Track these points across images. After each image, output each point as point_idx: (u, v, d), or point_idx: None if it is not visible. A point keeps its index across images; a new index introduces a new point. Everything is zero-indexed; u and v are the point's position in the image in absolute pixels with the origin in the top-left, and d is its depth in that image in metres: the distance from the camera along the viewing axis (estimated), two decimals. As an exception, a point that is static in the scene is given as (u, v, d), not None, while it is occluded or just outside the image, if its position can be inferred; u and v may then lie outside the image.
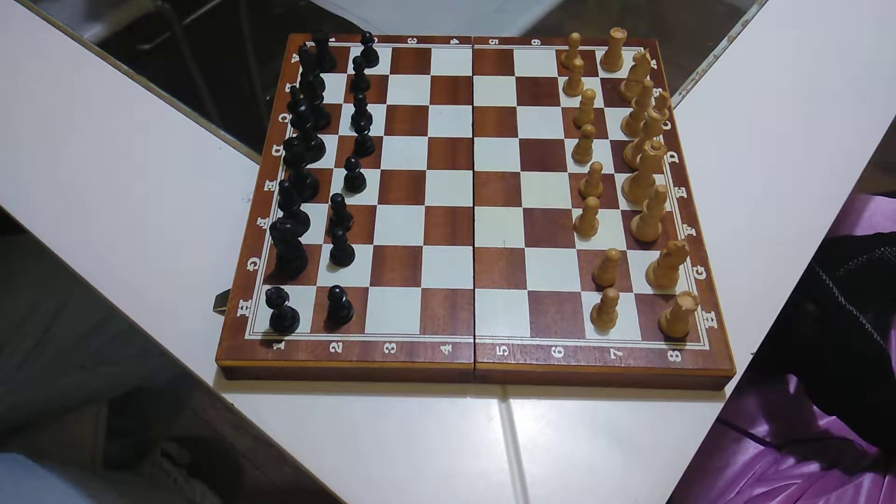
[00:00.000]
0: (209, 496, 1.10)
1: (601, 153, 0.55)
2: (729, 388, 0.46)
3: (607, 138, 0.56)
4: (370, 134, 0.56)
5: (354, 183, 0.52)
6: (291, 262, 0.48)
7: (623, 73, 0.60)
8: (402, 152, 0.55)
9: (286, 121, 0.57)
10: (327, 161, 0.54)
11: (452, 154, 0.55)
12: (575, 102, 0.58)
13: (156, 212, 0.55)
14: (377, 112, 0.57)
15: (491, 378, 0.46)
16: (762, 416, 0.78)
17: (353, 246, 0.49)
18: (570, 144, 0.55)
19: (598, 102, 0.58)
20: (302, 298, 0.47)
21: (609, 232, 0.50)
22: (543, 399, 0.46)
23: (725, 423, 0.77)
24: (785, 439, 0.76)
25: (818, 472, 0.72)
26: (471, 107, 0.58)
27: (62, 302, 0.74)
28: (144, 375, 0.83)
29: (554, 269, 0.49)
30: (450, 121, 0.57)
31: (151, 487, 1.00)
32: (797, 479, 0.71)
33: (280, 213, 0.51)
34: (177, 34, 0.80)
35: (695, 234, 0.50)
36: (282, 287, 0.44)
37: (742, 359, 0.46)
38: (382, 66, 0.61)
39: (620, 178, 0.53)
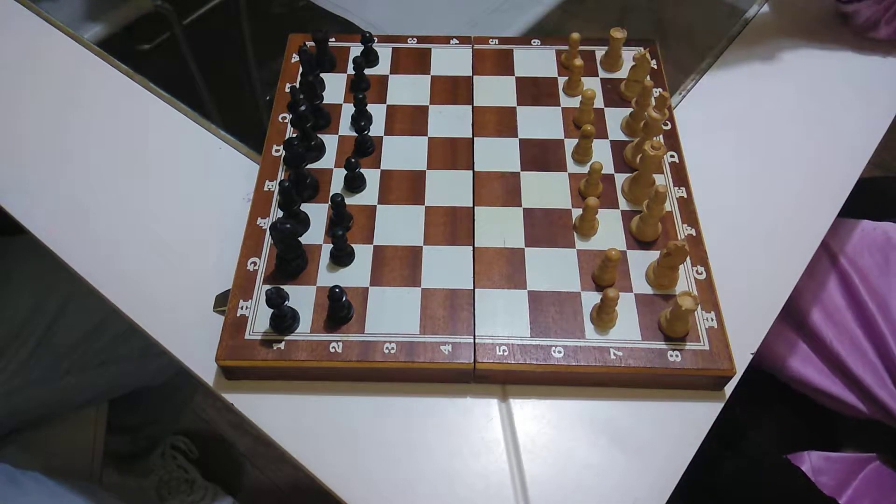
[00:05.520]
0: (220, 495, 1.10)
1: (601, 153, 0.55)
2: (729, 388, 0.46)
3: (607, 138, 0.56)
4: (370, 134, 0.56)
5: (354, 183, 0.52)
6: (291, 262, 0.48)
7: (623, 73, 0.60)
8: (402, 152, 0.55)
9: (286, 121, 0.57)
10: (327, 161, 0.54)
11: (452, 154, 0.55)
12: (575, 102, 0.58)
13: (156, 211, 0.55)
14: (377, 112, 0.57)
15: (491, 378, 0.46)
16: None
17: (353, 246, 0.49)
18: (570, 144, 0.55)
19: (598, 102, 0.58)
20: (302, 298, 0.47)
21: (609, 232, 0.50)
22: (543, 399, 0.46)
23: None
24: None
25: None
26: (471, 107, 0.58)
27: (63, 303, 0.74)
28: (145, 376, 0.83)
29: (554, 269, 0.48)
30: (450, 121, 0.57)
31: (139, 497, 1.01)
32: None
33: (280, 213, 0.51)
34: (177, 34, 0.80)
35: (695, 234, 0.50)
36: (282, 287, 0.44)
37: (742, 359, 0.46)
38: (382, 66, 0.61)
39: (620, 178, 0.53)
